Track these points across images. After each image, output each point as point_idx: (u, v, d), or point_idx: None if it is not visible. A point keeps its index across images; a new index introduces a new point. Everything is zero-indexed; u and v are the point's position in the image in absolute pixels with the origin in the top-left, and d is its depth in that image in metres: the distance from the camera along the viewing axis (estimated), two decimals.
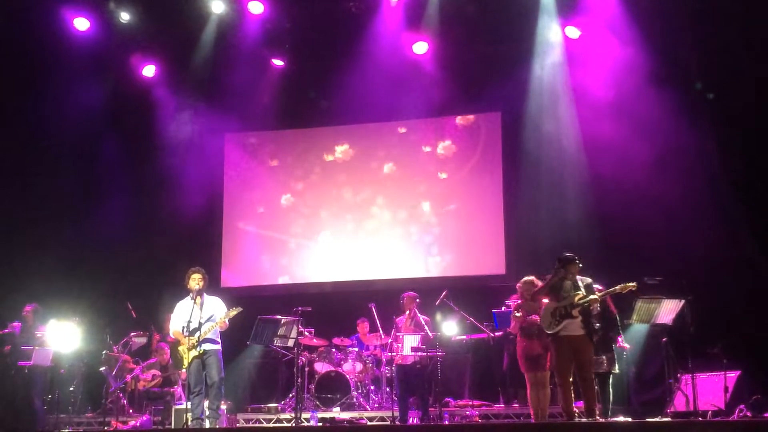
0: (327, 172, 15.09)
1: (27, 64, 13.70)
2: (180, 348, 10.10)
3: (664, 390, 11.15)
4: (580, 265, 9.18)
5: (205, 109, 14.70)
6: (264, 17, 13.50)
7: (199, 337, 9.86)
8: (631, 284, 9.02)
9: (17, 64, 13.62)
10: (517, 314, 9.77)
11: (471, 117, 14.66)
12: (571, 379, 9.04)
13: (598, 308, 9.17)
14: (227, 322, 10.08)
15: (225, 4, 13.36)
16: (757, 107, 12.10)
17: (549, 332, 9.10)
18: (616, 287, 9.05)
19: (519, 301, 9.95)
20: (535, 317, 9.54)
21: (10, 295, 12.73)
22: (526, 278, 9.86)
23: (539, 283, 9.63)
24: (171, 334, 10.65)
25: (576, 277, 9.15)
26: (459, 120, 14.71)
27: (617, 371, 9.89)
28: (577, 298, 8.99)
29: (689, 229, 12.26)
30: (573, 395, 9.01)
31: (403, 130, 14.92)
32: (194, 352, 9.90)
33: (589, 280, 9.21)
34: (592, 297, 8.99)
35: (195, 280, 10.11)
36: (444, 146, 14.69)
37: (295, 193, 15.13)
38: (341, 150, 15.09)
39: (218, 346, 10.12)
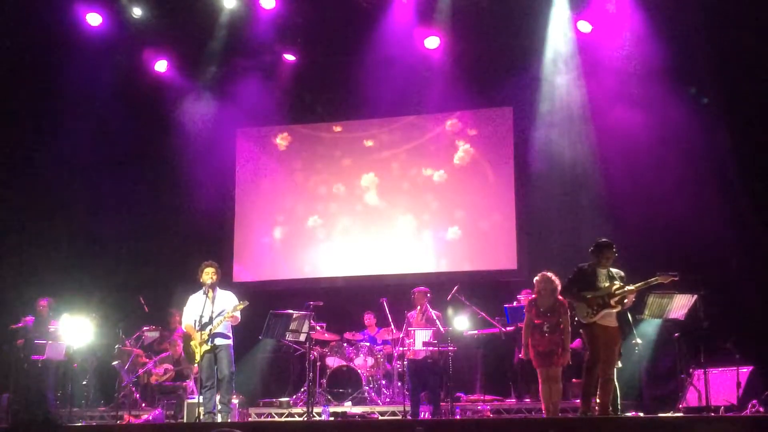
0: (338, 166, 15.10)
1: (39, 61, 13.74)
2: (192, 342, 10.14)
3: (676, 385, 11.11)
4: (616, 253, 9.08)
5: (217, 104, 14.75)
6: (276, 12, 13.49)
7: (210, 331, 9.90)
8: (672, 274, 8.90)
9: (29, 61, 13.67)
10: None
11: (483, 112, 14.64)
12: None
13: (633, 300, 9.09)
14: (238, 317, 10.12)
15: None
16: None
17: (584, 322, 9.02)
18: (657, 277, 8.91)
19: (533, 297, 9.91)
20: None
21: (23, 289, 12.82)
22: (543, 273, 9.80)
23: (556, 280, 9.58)
24: (183, 328, 10.69)
25: (610, 268, 9.05)
26: (470, 115, 14.69)
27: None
28: (614, 288, 8.90)
29: (702, 224, 12.20)
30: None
31: (414, 124, 14.91)
32: (205, 347, 9.94)
33: (622, 273, 9.08)
34: (629, 288, 8.89)
35: (208, 274, 10.15)
36: (456, 141, 14.67)
37: (307, 188, 15.15)
38: (352, 144, 15.10)
39: (229, 341, 10.16)
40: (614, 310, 8.92)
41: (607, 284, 8.96)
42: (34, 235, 13.87)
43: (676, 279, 8.96)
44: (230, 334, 10.21)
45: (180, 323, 11.02)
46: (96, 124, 14.09)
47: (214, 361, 10.00)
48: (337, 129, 15.25)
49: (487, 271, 14.14)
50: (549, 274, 9.73)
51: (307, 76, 14.71)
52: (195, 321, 9.99)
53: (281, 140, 15.42)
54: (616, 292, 8.89)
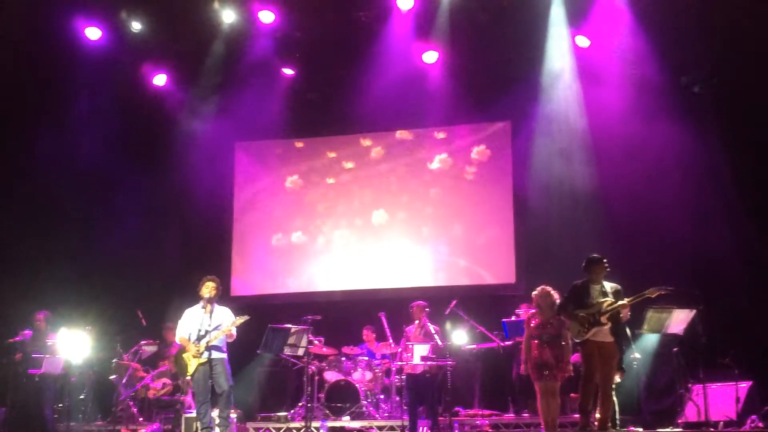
0: (336, 180, 15.12)
1: (38, 74, 13.73)
2: (185, 355, 10.11)
3: (675, 400, 11.10)
4: (608, 268, 9.11)
5: (215, 118, 14.75)
6: (275, 27, 13.50)
7: (207, 344, 9.88)
8: (662, 288, 8.89)
9: (28, 75, 13.65)
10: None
11: (481, 126, 14.66)
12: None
13: (629, 315, 9.09)
14: (234, 333, 10.10)
15: (236, 14, 13.39)
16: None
17: (577, 340, 9.05)
18: (645, 292, 8.93)
19: (532, 311, 9.91)
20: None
21: (21, 303, 12.76)
22: (542, 288, 9.79)
23: (555, 294, 9.59)
24: (177, 341, 10.66)
25: (604, 283, 9.08)
26: (469, 129, 14.72)
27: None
28: (605, 305, 8.91)
29: (701, 239, 12.23)
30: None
31: (412, 139, 14.95)
32: (200, 359, 9.91)
33: (618, 286, 9.09)
34: (621, 303, 8.89)
35: (208, 288, 10.14)
36: (454, 155, 14.69)
37: (305, 202, 15.16)
38: (351, 158, 15.12)
39: (225, 355, 10.14)
40: (606, 327, 8.92)
41: (600, 300, 8.97)
42: (31, 249, 13.82)
43: (664, 293, 8.96)
44: (225, 349, 10.18)
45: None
46: (94, 137, 14.07)
47: (209, 374, 9.96)
48: (335, 143, 15.27)
49: (486, 285, 14.14)
50: (548, 288, 9.74)
51: (305, 91, 14.74)
52: (190, 334, 9.99)
53: (279, 154, 15.44)
54: (607, 308, 8.89)
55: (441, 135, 14.84)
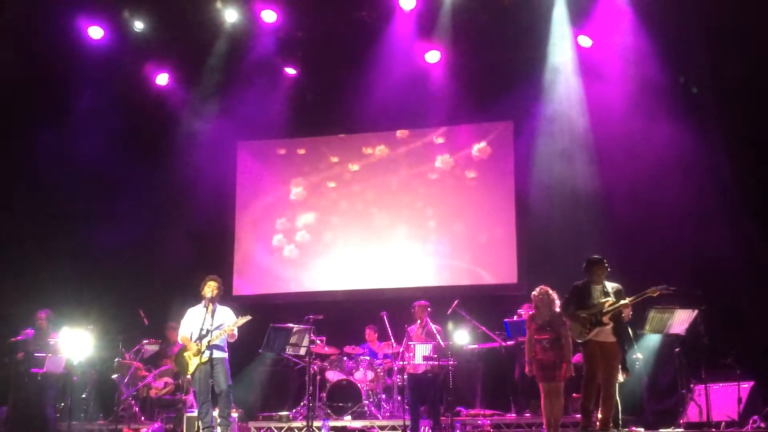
0: (339, 180, 15.12)
1: (41, 73, 13.75)
2: (186, 354, 10.12)
3: (677, 400, 11.11)
4: (608, 269, 9.12)
5: (217, 117, 14.75)
6: (277, 26, 13.52)
7: (208, 343, 9.89)
8: (663, 288, 8.88)
9: (31, 74, 13.67)
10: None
11: (483, 126, 14.66)
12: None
13: (631, 315, 9.10)
14: (236, 332, 10.10)
15: (238, 14, 13.40)
16: None
17: (579, 341, 9.06)
18: (647, 291, 8.94)
19: (532, 311, 9.92)
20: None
21: (22, 302, 12.77)
22: (540, 288, 9.80)
23: (554, 294, 9.60)
24: (179, 340, 10.67)
25: (605, 283, 9.09)
26: (471, 129, 14.72)
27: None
28: (607, 305, 8.92)
29: (703, 239, 12.22)
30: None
31: (415, 138, 14.94)
32: (201, 359, 9.92)
33: (619, 286, 9.10)
34: (623, 302, 8.90)
35: (210, 288, 10.15)
36: (456, 155, 14.69)
37: (307, 201, 15.16)
38: (352, 158, 15.11)
39: (225, 355, 10.14)
40: (608, 327, 8.92)
41: (602, 300, 8.97)
42: (33, 248, 13.83)
43: (666, 293, 8.96)
44: (226, 348, 10.19)
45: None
46: (96, 136, 14.07)
47: (210, 374, 9.97)
48: (337, 143, 15.28)
49: (488, 285, 14.14)
50: (546, 287, 9.76)
51: (307, 90, 14.75)
52: (192, 333, 10.00)
53: (282, 154, 15.45)
54: (609, 308, 8.90)
55: (443, 135, 14.83)
